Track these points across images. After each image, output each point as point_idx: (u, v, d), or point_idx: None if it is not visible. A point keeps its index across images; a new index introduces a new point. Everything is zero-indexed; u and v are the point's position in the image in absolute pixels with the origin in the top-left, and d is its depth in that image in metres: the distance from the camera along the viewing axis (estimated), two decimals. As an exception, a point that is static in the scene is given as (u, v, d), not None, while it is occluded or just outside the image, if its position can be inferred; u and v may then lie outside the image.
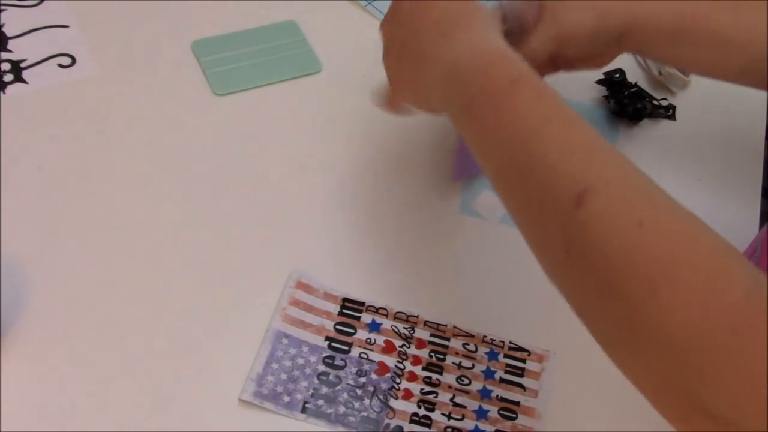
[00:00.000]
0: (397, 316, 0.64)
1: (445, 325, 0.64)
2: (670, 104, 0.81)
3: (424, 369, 0.62)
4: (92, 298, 0.62)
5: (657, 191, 0.45)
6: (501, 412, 0.60)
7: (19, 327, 0.60)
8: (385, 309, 0.64)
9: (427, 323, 0.64)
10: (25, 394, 0.57)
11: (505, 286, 0.67)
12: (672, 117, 0.81)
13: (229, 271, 0.65)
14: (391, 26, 0.60)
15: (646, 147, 0.79)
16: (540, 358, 0.63)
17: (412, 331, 0.64)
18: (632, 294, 0.40)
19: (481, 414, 0.60)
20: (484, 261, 0.69)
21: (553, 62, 0.66)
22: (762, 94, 0.75)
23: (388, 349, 0.62)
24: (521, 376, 0.62)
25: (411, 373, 0.61)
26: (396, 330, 0.63)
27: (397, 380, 0.61)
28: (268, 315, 0.63)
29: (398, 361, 0.62)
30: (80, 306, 0.62)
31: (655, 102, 0.80)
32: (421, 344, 0.63)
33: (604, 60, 0.68)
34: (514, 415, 0.60)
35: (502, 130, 0.49)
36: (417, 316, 0.64)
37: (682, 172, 0.77)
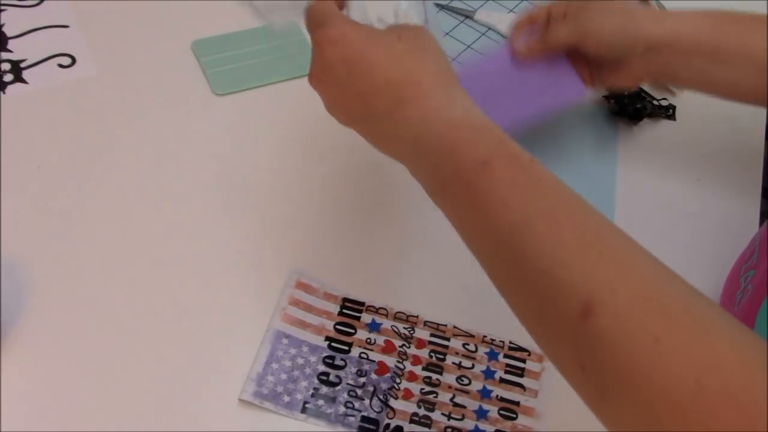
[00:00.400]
0: (397, 316, 0.64)
1: (445, 325, 0.64)
2: (670, 104, 0.81)
3: (424, 369, 0.62)
4: (92, 298, 0.62)
5: (668, 287, 0.40)
6: (501, 412, 0.60)
7: (19, 327, 0.60)
8: (385, 309, 0.64)
9: (427, 323, 0.64)
10: (25, 394, 0.57)
11: (505, 286, 0.67)
12: (672, 117, 0.81)
13: (229, 271, 0.65)
14: (324, 85, 0.52)
15: (646, 147, 0.79)
16: (540, 358, 0.63)
17: (412, 331, 0.64)
18: (663, 420, 0.37)
19: (481, 414, 0.60)
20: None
21: (585, 63, 0.66)
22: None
23: (388, 349, 0.62)
24: (521, 376, 0.62)
25: (411, 373, 0.61)
26: (396, 330, 0.63)
27: (397, 380, 0.61)
28: (268, 315, 0.63)
29: (398, 361, 0.62)
30: (81, 306, 0.62)
31: (655, 102, 0.80)
32: (421, 344, 0.63)
33: (631, 75, 0.66)
34: (514, 415, 0.60)
35: (481, 222, 0.45)
36: (417, 316, 0.64)
37: (682, 172, 0.77)
